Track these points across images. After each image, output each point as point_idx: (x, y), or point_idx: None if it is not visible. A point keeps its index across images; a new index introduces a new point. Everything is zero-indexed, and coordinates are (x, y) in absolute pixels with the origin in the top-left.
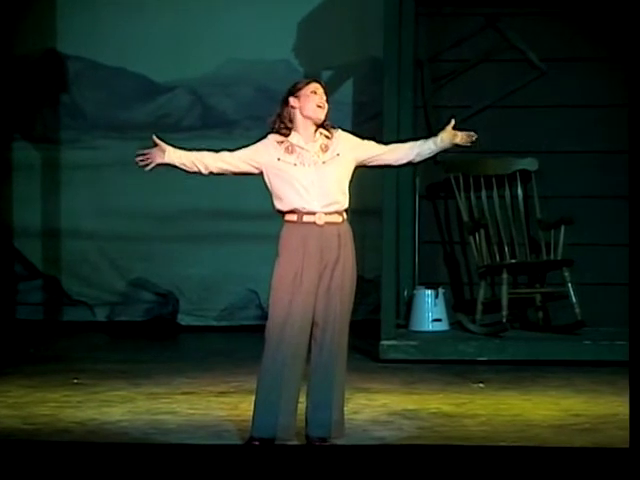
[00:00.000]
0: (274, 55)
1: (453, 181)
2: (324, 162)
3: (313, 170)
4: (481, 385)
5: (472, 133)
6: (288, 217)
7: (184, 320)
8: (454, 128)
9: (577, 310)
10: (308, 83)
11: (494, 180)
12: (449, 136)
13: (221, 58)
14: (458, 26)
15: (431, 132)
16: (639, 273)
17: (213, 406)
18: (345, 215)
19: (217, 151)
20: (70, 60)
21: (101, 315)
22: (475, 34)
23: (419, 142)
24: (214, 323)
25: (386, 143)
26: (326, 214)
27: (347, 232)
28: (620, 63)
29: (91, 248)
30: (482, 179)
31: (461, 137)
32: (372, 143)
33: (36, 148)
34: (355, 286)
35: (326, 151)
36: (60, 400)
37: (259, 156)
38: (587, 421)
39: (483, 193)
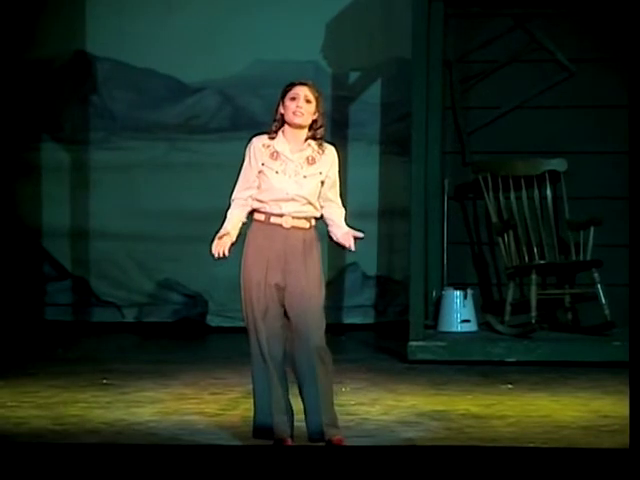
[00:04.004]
0: (302, 56)
1: (482, 182)
2: (305, 177)
3: (293, 181)
4: (510, 386)
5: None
6: (256, 216)
7: (213, 321)
8: None
9: (606, 311)
10: (291, 88)
11: (523, 181)
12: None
13: (249, 59)
14: (486, 27)
15: (459, 132)
16: (639, 273)
17: (241, 407)
18: (313, 222)
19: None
20: (99, 61)
21: (130, 316)
22: (503, 35)
23: (337, 219)
24: (243, 324)
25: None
26: (294, 218)
27: (313, 239)
28: None
29: (119, 249)
30: (511, 180)
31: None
32: (334, 189)
33: (65, 149)
34: (324, 291)
35: (312, 164)
36: (89, 400)
37: (256, 170)
38: (616, 422)
39: (512, 194)
